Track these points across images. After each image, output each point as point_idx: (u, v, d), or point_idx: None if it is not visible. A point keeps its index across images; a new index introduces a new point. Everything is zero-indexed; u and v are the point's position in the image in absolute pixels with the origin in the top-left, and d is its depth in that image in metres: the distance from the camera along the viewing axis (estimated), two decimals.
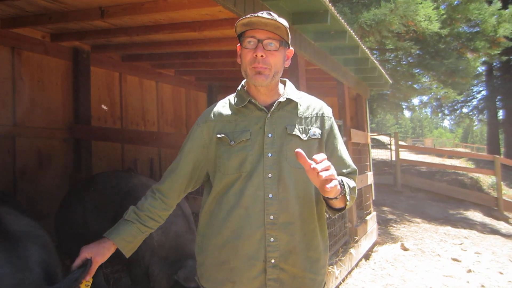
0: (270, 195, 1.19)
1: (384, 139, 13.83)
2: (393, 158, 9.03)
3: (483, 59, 8.47)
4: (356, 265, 4.10)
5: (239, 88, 1.30)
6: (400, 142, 12.07)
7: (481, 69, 13.73)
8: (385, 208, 7.46)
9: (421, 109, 13.95)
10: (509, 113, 14.09)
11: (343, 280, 3.59)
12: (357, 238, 4.11)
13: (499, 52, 7.57)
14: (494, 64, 13.39)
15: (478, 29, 7.14)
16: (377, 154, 10.60)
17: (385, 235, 5.69)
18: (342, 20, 2.93)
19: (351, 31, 3.19)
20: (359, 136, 4.49)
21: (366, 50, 3.79)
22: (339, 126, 3.84)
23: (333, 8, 2.67)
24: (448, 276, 4.04)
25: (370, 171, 5.10)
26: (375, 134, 14.68)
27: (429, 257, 4.75)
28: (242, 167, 1.20)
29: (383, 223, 6.36)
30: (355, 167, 1.32)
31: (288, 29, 1.19)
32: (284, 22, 1.17)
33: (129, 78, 4.54)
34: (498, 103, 14.75)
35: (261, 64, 1.17)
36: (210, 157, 1.27)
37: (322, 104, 1.32)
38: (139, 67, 4.58)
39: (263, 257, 1.18)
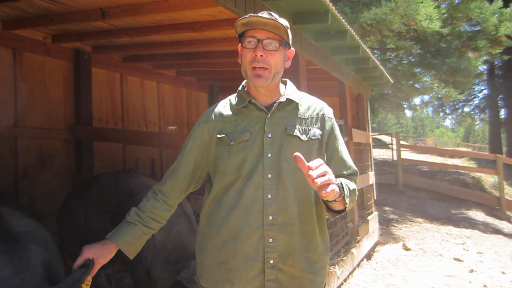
0: (269, 196, 1.18)
1: (386, 138, 13.80)
2: (395, 158, 9.01)
3: (485, 58, 8.44)
4: (358, 265, 4.09)
5: (239, 88, 1.30)
6: (402, 142, 12.05)
7: (483, 68, 13.70)
8: (387, 208, 7.45)
9: (423, 109, 13.95)
10: (511, 112, 14.06)
11: (345, 280, 3.59)
12: (358, 238, 4.11)
13: (500, 51, 7.55)
14: (496, 63, 13.36)
15: (479, 28, 7.13)
16: (378, 153, 10.58)
17: (387, 235, 5.69)
18: (343, 20, 2.92)
19: (352, 30, 3.19)
20: (360, 136, 4.48)
21: (367, 49, 3.79)
22: (340, 126, 3.84)
23: (333, 7, 2.67)
24: (450, 276, 4.03)
25: (371, 170, 5.09)
26: (377, 133, 14.67)
27: (431, 257, 4.74)
28: (242, 167, 1.20)
29: (385, 223, 6.34)
30: (355, 168, 1.31)
31: (288, 29, 1.19)
32: (284, 22, 1.17)
33: (130, 79, 4.55)
34: (500, 102, 14.72)
35: (260, 63, 1.16)
36: (210, 157, 1.27)
37: (323, 105, 1.32)
38: (140, 67, 4.59)
39: (261, 258, 1.18)
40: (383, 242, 5.24)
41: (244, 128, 1.22)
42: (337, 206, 1.16)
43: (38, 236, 1.46)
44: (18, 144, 3.29)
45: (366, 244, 4.40)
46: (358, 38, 3.41)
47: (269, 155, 1.20)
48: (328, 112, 1.31)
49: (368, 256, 4.53)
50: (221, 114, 1.27)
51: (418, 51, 7.17)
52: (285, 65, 1.25)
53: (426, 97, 12.17)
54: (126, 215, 1.27)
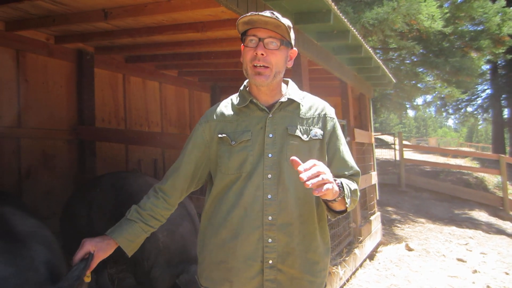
0: (269, 196, 1.18)
1: (388, 138, 13.78)
2: (397, 158, 8.99)
3: (488, 57, 8.41)
4: (361, 265, 4.08)
5: (241, 88, 1.29)
6: (404, 142, 12.00)
7: (486, 67, 13.64)
8: (390, 208, 7.43)
9: (425, 108, 13.90)
10: None
11: (347, 280, 3.58)
12: (361, 238, 4.10)
13: (503, 50, 7.52)
14: (499, 62, 13.30)
15: (482, 28, 7.10)
16: (381, 153, 10.56)
17: (390, 235, 5.67)
18: (345, 20, 2.92)
19: (354, 30, 3.19)
20: (363, 136, 4.47)
21: (369, 49, 3.78)
22: (342, 126, 3.84)
23: (335, 7, 2.67)
24: (453, 276, 4.01)
25: (374, 171, 5.08)
26: (379, 133, 14.64)
27: (434, 258, 4.72)
28: (243, 167, 1.20)
29: (388, 223, 6.33)
30: (357, 168, 1.30)
31: (290, 29, 1.19)
32: (286, 21, 1.17)
33: (133, 79, 4.56)
34: (503, 101, 14.65)
35: (261, 62, 1.16)
36: (211, 156, 1.27)
37: (324, 105, 1.31)
38: (142, 68, 4.60)
39: (260, 258, 1.18)
40: (385, 242, 5.23)
41: (245, 128, 1.22)
42: (338, 206, 1.15)
43: (42, 236, 1.47)
44: (21, 145, 3.30)
45: (368, 244, 4.38)
46: (360, 38, 3.40)
47: (270, 155, 1.20)
48: (330, 112, 1.30)
49: (371, 257, 4.52)
50: (222, 114, 1.27)
51: (421, 50, 7.16)
52: (287, 65, 1.24)
53: (428, 97, 12.14)
54: (126, 212, 1.28)
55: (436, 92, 9.75)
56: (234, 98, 1.30)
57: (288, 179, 1.19)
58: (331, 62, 3.64)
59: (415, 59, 8.04)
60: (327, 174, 1.01)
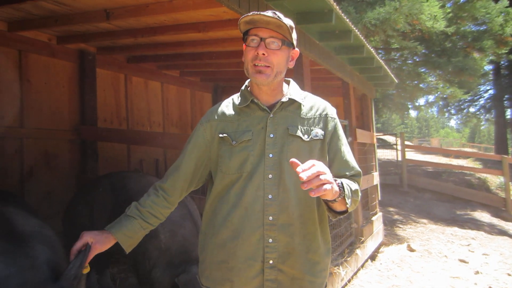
0: (270, 196, 1.18)
1: (390, 139, 13.75)
2: (399, 158, 8.97)
3: (490, 57, 8.38)
4: (362, 266, 4.08)
5: (242, 88, 1.29)
6: (406, 142, 11.98)
7: (488, 67, 13.59)
8: (391, 209, 7.41)
9: (427, 109, 13.83)
10: None
11: (349, 281, 3.57)
12: (363, 238, 4.09)
13: (506, 51, 7.50)
14: (502, 62, 13.25)
15: (485, 28, 7.08)
16: (383, 154, 10.54)
17: (391, 236, 5.65)
18: (347, 20, 2.91)
19: (356, 30, 3.18)
20: (365, 136, 4.47)
21: (371, 49, 3.77)
22: (344, 126, 3.83)
23: (337, 7, 2.66)
24: (455, 277, 4.00)
25: (376, 171, 5.07)
26: (381, 134, 14.60)
27: (436, 258, 4.71)
28: (243, 167, 1.20)
29: (389, 224, 6.31)
30: (359, 169, 1.29)
31: (292, 29, 1.18)
32: (288, 21, 1.17)
33: (135, 79, 4.57)
34: (505, 102, 14.59)
35: (262, 62, 1.16)
36: (212, 156, 1.27)
37: (326, 105, 1.30)
38: (144, 68, 4.61)
39: (261, 258, 1.18)
40: (387, 243, 5.21)
41: (246, 127, 1.22)
42: (338, 207, 1.15)
43: (44, 235, 1.47)
44: (23, 145, 3.32)
45: (370, 245, 4.38)
46: (362, 38, 3.39)
47: (271, 155, 1.19)
48: (331, 112, 1.29)
49: (373, 257, 4.51)
50: (223, 114, 1.27)
51: (423, 51, 7.14)
52: (288, 65, 1.24)
53: (431, 97, 12.09)
54: (126, 209, 1.28)
55: (438, 93, 9.73)
56: (235, 98, 1.30)
57: (289, 179, 1.19)
58: (333, 62, 3.64)
59: (417, 59, 8.02)
60: (327, 174, 1.01)
